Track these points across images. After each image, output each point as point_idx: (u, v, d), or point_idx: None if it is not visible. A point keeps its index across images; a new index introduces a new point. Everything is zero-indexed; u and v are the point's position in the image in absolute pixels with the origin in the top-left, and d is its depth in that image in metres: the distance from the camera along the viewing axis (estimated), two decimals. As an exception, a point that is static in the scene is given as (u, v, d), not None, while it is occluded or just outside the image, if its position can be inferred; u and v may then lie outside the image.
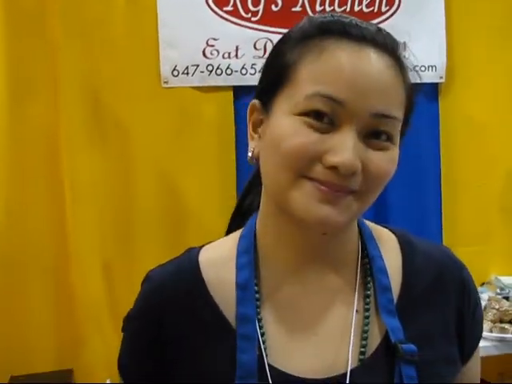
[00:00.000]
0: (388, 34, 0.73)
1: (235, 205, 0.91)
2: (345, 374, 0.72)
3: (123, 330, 0.81)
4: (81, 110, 1.98)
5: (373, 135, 0.69)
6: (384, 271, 0.77)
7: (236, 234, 0.81)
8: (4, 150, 1.94)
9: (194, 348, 0.74)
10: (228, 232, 0.87)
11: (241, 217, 0.86)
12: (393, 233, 0.83)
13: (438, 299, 0.79)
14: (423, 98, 2.24)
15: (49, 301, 1.98)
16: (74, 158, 1.98)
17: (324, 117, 0.68)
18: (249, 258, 0.76)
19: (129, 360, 0.80)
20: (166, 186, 2.08)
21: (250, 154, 0.76)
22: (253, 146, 0.76)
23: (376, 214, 2.21)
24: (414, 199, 2.24)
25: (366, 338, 0.74)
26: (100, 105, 2.00)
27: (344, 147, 0.66)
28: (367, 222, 0.82)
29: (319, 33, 0.71)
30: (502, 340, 1.88)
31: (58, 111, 1.97)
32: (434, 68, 2.23)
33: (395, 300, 0.76)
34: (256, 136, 0.76)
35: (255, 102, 0.76)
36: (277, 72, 0.73)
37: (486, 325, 1.89)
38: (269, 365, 0.72)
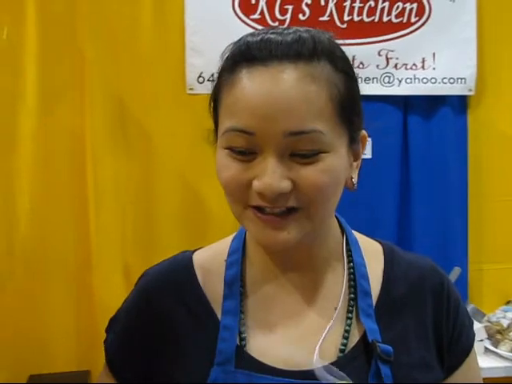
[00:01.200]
0: (311, 37, 0.72)
1: None
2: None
3: (109, 329, 0.86)
4: (106, 115, 2.00)
5: (297, 152, 0.70)
6: (365, 277, 0.81)
7: (230, 237, 0.87)
8: (31, 153, 1.97)
9: (181, 336, 0.79)
10: None
11: None
12: (380, 244, 0.87)
13: (416, 306, 0.81)
14: (451, 111, 2.21)
15: (70, 302, 2.00)
16: (99, 162, 2.00)
17: (242, 149, 0.71)
18: (237, 257, 0.82)
19: (121, 354, 0.84)
20: (188, 192, 2.08)
21: None
22: None
23: (400, 228, 2.19)
24: (439, 213, 2.20)
25: (346, 338, 0.77)
26: (125, 110, 2.02)
27: (264, 172, 0.69)
28: (355, 233, 0.86)
29: (231, 65, 0.73)
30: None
31: (84, 116, 1.99)
32: (463, 80, 2.19)
33: (374, 302, 0.80)
34: None
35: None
36: (213, 107, 0.77)
37: (508, 345, 1.84)
38: (247, 354, 0.76)
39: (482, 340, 1.98)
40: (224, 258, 0.83)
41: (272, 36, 0.71)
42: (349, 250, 0.83)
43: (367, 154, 2.17)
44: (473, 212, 2.24)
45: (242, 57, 0.72)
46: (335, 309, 0.79)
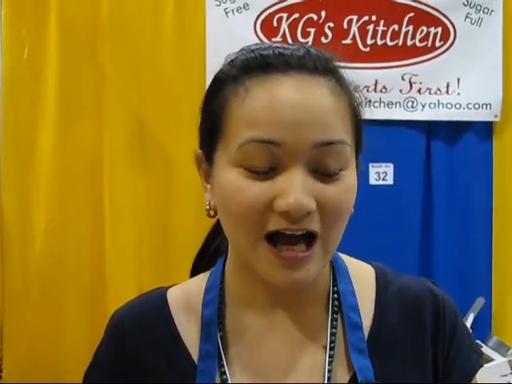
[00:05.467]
0: (320, 52, 0.69)
1: (201, 244, 0.88)
2: None
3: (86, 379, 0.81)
4: (125, 133, 2.00)
5: (322, 168, 0.65)
6: (355, 308, 0.74)
7: (206, 274, 0.79)
8: (49, 169, 1.97)
9: (156, 380, 0.74)
10: (193, 271, 0.85)
11: (208, 258, 0.83)
12: (372, 267, 0.80)
13: (413, 333, 0.74)
14: (476, 138, 2.17)
15: (84, 321, 1.98)
16: (116, 181, 2.00)
17: (265, 164, 0.64)
18: (214, 295, 0.75)
19: None
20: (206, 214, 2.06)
21: (207, 207, 0.73)
22: (208, 199, 0.73)
23: (422, 256, 2.13)
24: (463, 242, 2.15)
25: (329, 378, 0.70)
26: (144, 129, 2.02)
27: (291, 188, 0.62)
28: (345, 258, 0.79)
29: (242, 73, 0.67)
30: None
31: (103, 133, 1.99)
32: (488, 106, 2.15)
33: (366, 334, 0.73)
34: (209, 187, 0.72)
35: (199, 152, 0.73)
36: (210, 121, 0.69)
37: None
38: None
39: (505, 375, 1.90)
40: (201, 294, 0.76)
41: (281, 49, 0.67)
42: (335, 280, 0.76)
43: (388, 180, 2.13)
44: (498, 241, 2.18)
45: (255, 64, 0.66)
46: (324, 347, 0.72)
